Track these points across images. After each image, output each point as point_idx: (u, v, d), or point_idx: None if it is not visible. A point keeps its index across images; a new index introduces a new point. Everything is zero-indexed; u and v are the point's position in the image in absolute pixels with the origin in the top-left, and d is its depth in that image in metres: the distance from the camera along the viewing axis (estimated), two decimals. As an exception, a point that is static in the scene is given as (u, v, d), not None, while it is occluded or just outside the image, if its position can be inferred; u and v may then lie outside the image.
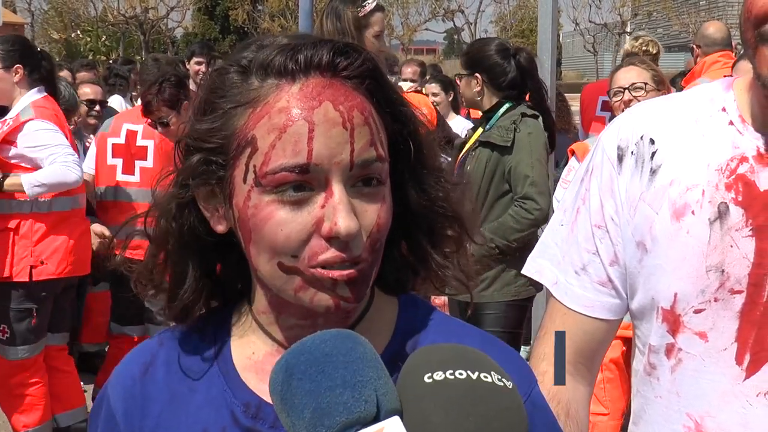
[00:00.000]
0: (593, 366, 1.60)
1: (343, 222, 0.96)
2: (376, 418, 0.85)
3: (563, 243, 1.56)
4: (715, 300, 1.37)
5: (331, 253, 0.98)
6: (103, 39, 43.21)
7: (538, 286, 4.10)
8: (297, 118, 0.97)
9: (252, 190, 0.99)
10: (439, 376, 0.87)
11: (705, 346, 1.38)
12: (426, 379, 0.87)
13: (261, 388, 1.06)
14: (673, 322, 1.41)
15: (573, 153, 4.41)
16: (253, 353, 1.10)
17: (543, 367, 1.56)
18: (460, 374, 0.87)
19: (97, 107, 6.53)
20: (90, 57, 31.98)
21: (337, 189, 0.98)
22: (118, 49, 41.68)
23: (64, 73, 7.24)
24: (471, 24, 44.99)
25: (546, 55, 5.10)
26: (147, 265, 1.13)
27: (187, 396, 1.10)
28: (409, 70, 8.07)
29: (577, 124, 6.62)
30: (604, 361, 3.99)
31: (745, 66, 4.01)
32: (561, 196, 3.82)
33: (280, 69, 1.00)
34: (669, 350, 1.43)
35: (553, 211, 3.64)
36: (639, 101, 3.05)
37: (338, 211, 0.97)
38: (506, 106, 4.17)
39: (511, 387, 0.89)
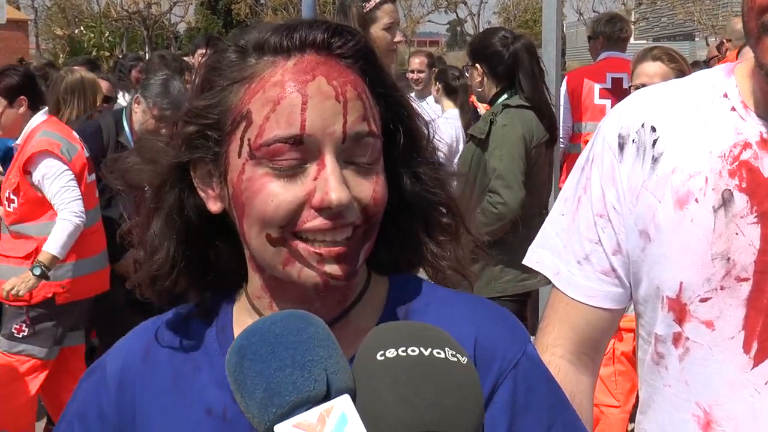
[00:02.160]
0: (597, 356, 1.59)
1: (334, 193, 0.97)
2: (327, 397, 0.86)
3: (564, 233, 1.55)
4: (722, 288, 1.36)
5: (319, 221, 0.99)
6: (107, 35, 43.14)
7: (529, 284, 4.04)
8: (291, 91, 0.99)
9: (246, 163, 1.01)
10: (391, 353, 0.88)
11: (712, 334, 1.38)
12: (378, 357, 0.88)
13: None
14: (679, 311, 1.40)
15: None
16: None
17: (545, 359, 1.55)
18: (413, 351, 0.88)
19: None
20: (93, 53, 31.97)
21: (330, 161, 0.99)
22: (122, 45, 41.68)
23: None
24: (474, 15, 44.83)
25: (550, 46, 5.08)
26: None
27: (192, 376, 1.11)
28: (416, 61, 7.72)
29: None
30: (616, 354, 3.97)
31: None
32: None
33: (276, 46, 1.03)
34: (676, 339, 1.42)
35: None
36: None
37: (330, 182, 0.98)
38: (504, 96, 4.11)
39: (465, 362, 0.89)
